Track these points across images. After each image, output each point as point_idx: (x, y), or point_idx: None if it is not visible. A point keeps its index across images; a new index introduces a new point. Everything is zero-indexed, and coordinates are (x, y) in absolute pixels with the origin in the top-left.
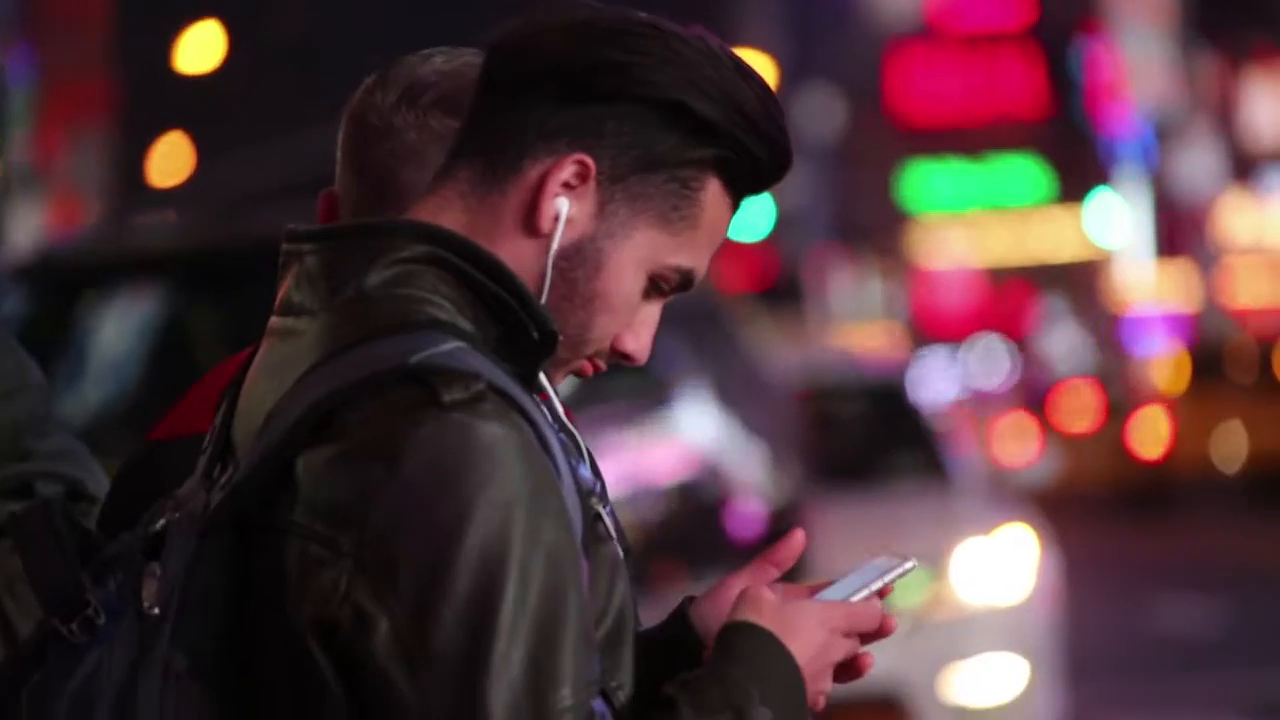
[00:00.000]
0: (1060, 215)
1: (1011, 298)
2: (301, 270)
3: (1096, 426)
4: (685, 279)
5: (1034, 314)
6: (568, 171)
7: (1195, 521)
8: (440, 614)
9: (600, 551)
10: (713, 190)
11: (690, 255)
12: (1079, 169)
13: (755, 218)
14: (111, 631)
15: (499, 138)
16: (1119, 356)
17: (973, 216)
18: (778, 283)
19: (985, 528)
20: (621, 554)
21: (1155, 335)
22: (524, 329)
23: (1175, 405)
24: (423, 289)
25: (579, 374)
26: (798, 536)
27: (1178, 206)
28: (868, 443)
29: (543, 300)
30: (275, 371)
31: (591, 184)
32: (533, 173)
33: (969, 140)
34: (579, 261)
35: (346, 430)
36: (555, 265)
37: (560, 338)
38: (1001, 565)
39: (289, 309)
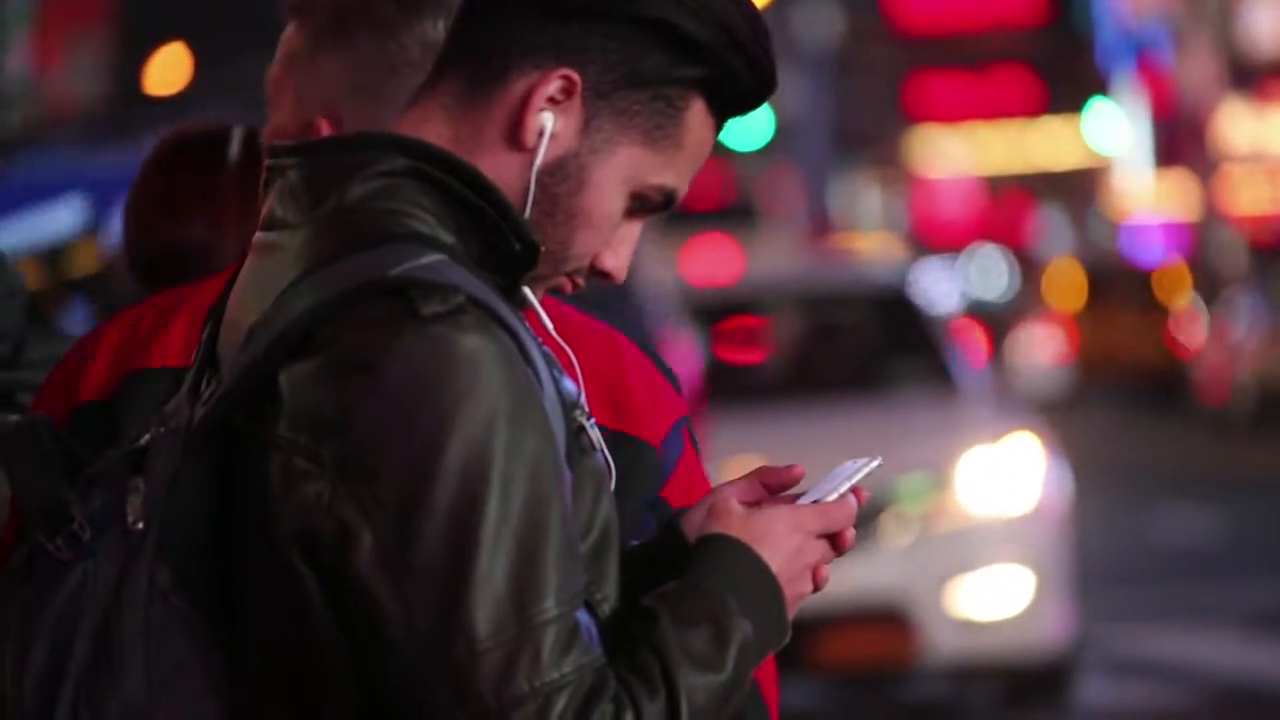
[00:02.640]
0: (1059, 124)
1: (1010, 207)
2: (285, 185)
3: None
4: (667, 198)
5: (1033, 223)
6: (553, 86)
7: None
8: (422, 527)
9: (584, 464)
10: (697, 110)
11: (673, 174)
12: (1078, 77)
13: (754, 127)
14: (96, 547)
15: (484, 50)
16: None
17: (971, 125)
18: (734, 202)
19: (991, 436)
20: (606, 466)
21: (1155, 244)
22: (505, 241)
23: (1073, 321)
24: (403, 202)
25: (558, 290)
26: (798, 469)
27: (1177, 115)
28: (872, 350)
29: (525, 215)
30: (258, 286)
31: (577, 100)
32: (518, 86)
33: (968, 48)
34: (562, 177)
35: (328, 344)
36: (538, 180)
37: (541, 251)
38: (1008, 475)
39: (272, 224)
